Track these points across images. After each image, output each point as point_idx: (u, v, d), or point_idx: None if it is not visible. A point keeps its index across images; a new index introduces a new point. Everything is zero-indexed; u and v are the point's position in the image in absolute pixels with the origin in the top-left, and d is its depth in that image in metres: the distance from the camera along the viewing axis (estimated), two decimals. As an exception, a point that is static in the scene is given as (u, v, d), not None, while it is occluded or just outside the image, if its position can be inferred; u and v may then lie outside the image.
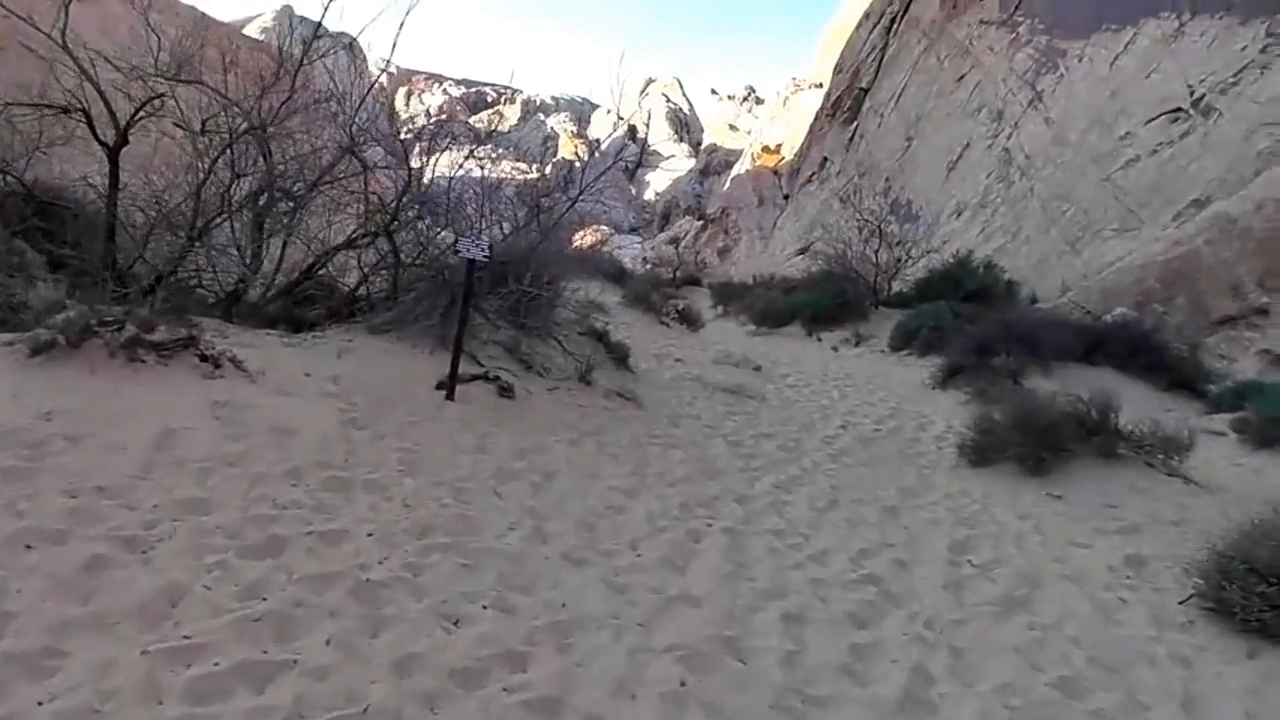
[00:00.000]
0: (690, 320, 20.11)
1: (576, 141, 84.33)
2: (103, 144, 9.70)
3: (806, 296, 23.39)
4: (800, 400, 11.95)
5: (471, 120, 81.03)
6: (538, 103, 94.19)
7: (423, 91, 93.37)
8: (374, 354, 8.63)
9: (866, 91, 38.42)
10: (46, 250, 10.48)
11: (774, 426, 9.89)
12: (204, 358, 6.96)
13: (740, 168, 55.69)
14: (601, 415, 8.86)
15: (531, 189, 14.69)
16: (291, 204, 10.57)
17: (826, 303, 22.41)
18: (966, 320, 17.05)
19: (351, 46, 14.08)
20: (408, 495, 5.58)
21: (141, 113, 9.66)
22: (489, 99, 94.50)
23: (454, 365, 8.00)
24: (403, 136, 12.75)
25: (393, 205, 9.85)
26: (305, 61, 9.95)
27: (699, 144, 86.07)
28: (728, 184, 56.24)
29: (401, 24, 10.91)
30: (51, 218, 10.45)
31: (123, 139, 9.63)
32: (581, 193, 11.04)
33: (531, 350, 9.76)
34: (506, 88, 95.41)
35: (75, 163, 10.93)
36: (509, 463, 6.68)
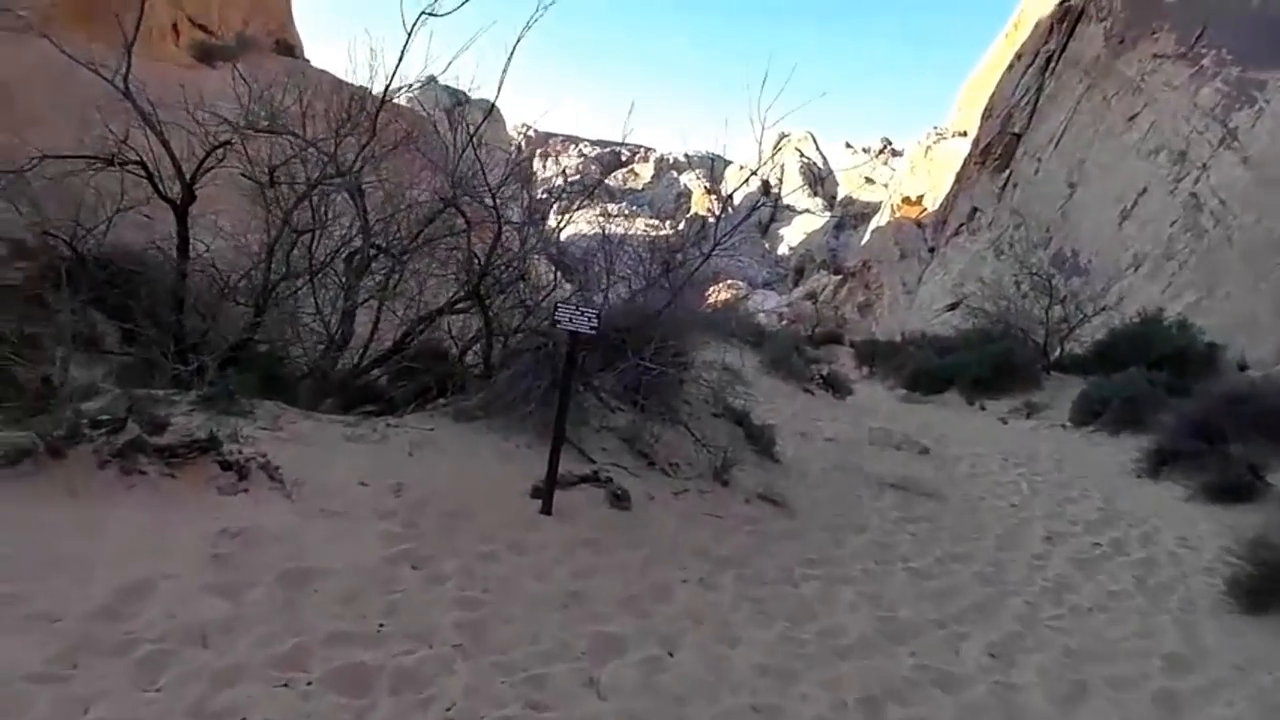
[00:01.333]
0: (837, 386, 17.89)
1: (709, 197, 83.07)
2: (168, 200, 8.33)
3: (965, 358, 20.79)
4: (985, 497, 9.57)
5: (607, 180, 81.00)
6: (670, 160, 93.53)
7: (559, 153, 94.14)
8: (456, 449, 6.84)
9: (1019, 137, 35.51)
10: (123, 322, 9.24)
11: (963, 542, 7.62)
12: (226, 465, 5.28)
13: (879, 220, 53.08)
14: (742, 531, 6.82)
15: (662, 244, 12.96)
16: (390, 262, 9.00)
17: (989, 366, 19.78)
18: (1168, 391, 14.29)
19: (492, 110, 12.76)
20: (456, 698, 3.66)
21: (211, 165, 8.26)
22: (623, 158, 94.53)
23: (552, 467, 6.12)
24: (539, 196, 11.25)
25: (479, 266, 8.11)
26: (386, 98, 8.35)
27: (833, 198, 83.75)
28: (867, 237, 53.67)
29: (504, 70, 9.25)
30: (129, 285, 9.19)
31: (189, 194, 8.23)
32: (716, 246, 9.13)
33: (655, 440, 7.82)
34: (640, 147, 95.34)
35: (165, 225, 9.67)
36: (614, 620, 4.71)
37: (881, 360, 25.54)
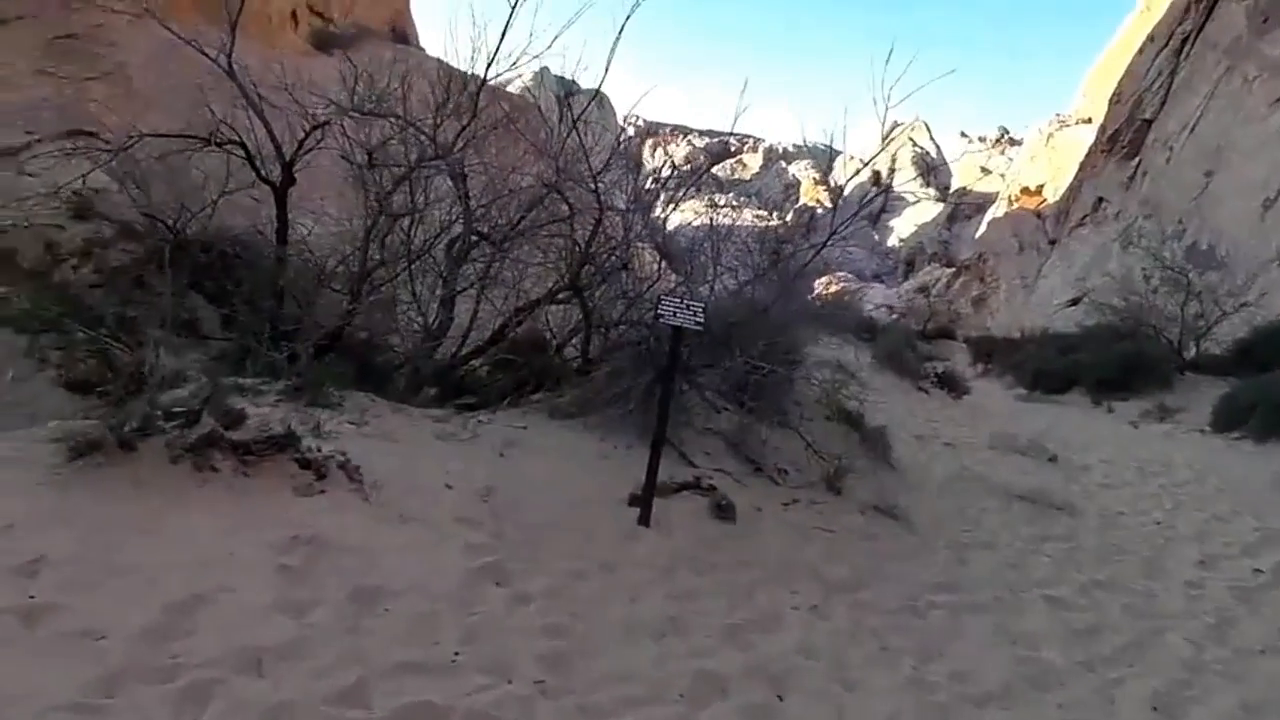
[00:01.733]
0: (952, 385, 16.91)
1: (819, 188, 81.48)
2: (267, 182, 8.08)
3: (1090, 356, 19.45)
4: (1123, 512, 8.65)
5: (714, 170, 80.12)
6: (780, 150, 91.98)
7: (668, 143, 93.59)
8: (550, 450, 6.38)
9: (1150, 123, 33.37)
10: (222, 307, 9.10)
11: (1105, 565, 6.81)
12: (304, 463, 4.91)
13: (996, 211, 50.97)
14: (858, 548, 6.17)
15: (771, 236, 12.31)
16: (491, 250, 8.60)
17: (1116, 365, 18.45)
18: (1327, 396, 12.96)
19: (601, 102, 12.30)
20: (532, 753, 3.17)
21: (311, 147, 7.99)
22: (731, 148, 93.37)
23: (650, 475, 5.59)
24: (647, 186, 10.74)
25: (578, 254, 7.62)
26: (487, 79, 7.91)
27: (946, 188, 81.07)
28: (982, 228, 51.62)
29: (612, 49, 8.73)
30: (234, 269, 9.03)
31: (288, 176, 7.97)
32: (832, 236, 8.48)
33: (763, 443, 7.22)
34: (749, 137, 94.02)
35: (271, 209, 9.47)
36: (716, 654, 4.15)
37: (999, 357, 24.24)
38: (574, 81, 11.16)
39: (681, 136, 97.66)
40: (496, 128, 8.42)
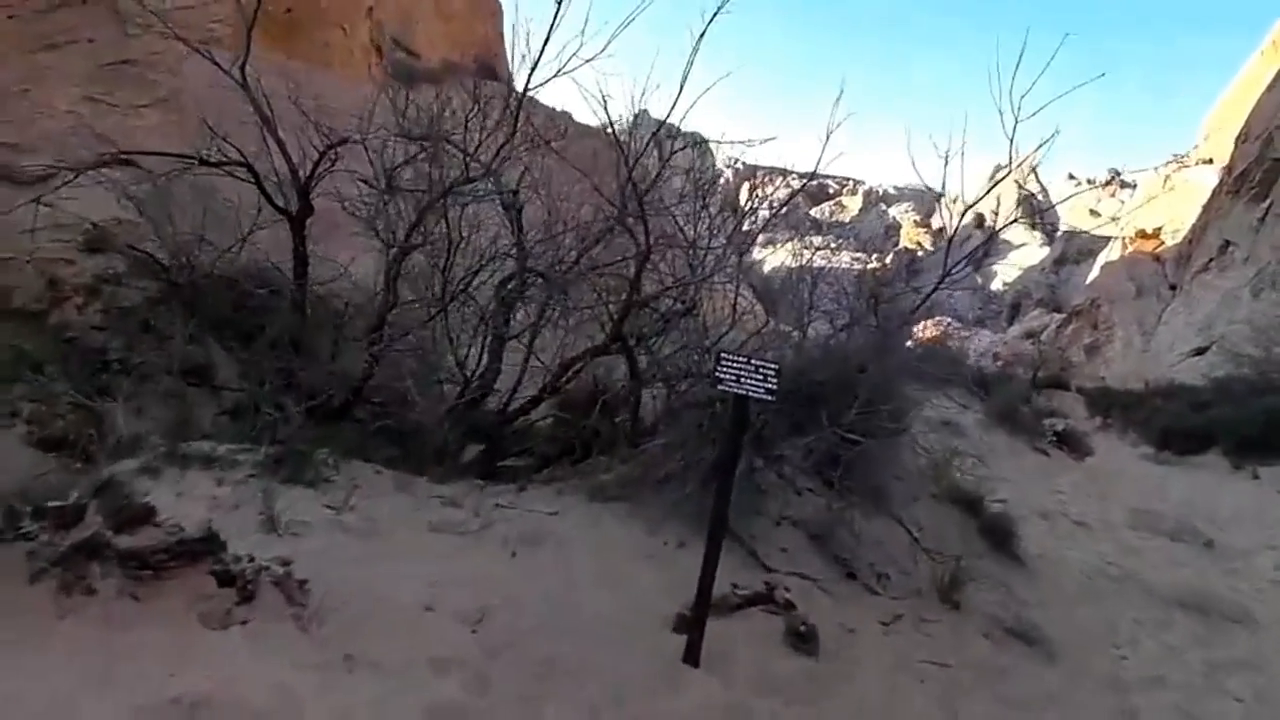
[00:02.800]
0: (1074, 445, 14.86)
1: (919, 230, 78.90)
2: (283, 212, 6.91)
3: (1227, 412, 17.09)
4: (1318, 626, 6.71)
5: (812, 211, 78.30)
6: (880, 193, 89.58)
7: (765, 185, 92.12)
8: (580, 545, 4.90)
9: (1282, 162, 30.51)
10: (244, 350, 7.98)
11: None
12: (226, 578, 3.54)
13: (1108, 255, 47.91)
14: (984, 693, 4.50)
15: (869, 278, 10.72)
16: (546, 291, 7.25)
17: (1260, 422, 16.08)
18: None
19: (703, 145, 10.99)
20: None
21: (329, 169, 6.80)
22: (830, 190, 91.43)
23: (703, 593, 4.06)
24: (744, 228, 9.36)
25: (623, 301, 6.16)
26: (526, 90, 6.53)
27: (1053, 231, 77.57)
28: (1094, 272, 48.54)
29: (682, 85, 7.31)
30: (259, 311, 7.90)
31: (305, 204, 6.77)
32: (945, 276, 6.87)
33: (856, 537, 5.60)
34: (848, 179, 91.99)
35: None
36: None
37: (1120, 411, 21.84)
38: (675, 127, 9.90)
39: (780, 178, 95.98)
40: (534, 144, 7.03)
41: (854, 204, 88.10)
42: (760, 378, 4.12)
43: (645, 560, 4.91)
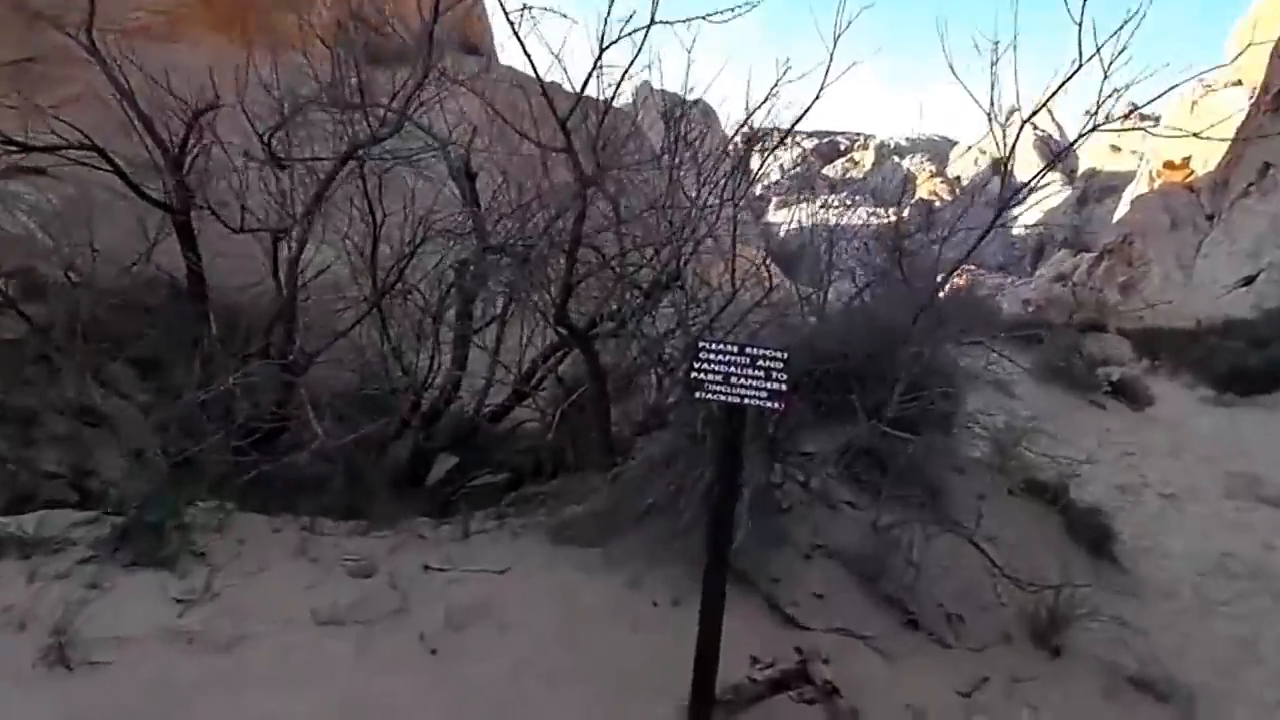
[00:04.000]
0: (1131, 395, 13.28)
1: (935, 180, 76.65)
2: (159, 205, 5.53)
3: (1297, 347, 15.45)
4: None
5: (825, 170, 76.28)
6: (892, 146, 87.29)
7: (776, 148, 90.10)
8: (534, 619, 3.48)
9: (1321, 73, 28.40)
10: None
11: None
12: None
13: (1135, 190, 45.76)
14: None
15: (889, 233, 9.26)
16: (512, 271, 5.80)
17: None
18: None
19: (706, 114, 9.53)
20: None
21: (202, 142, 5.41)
22: (841, 148, 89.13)
23: (701, 685, 2.66)
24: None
25: (562, 277, 4.65)
26: (439, 10, 5.03)
27: (1073, 171, 75.14)
28: (1125, 208, 46.38)
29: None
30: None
31: (182, 191, 5.37)
32: (999, 216, 5.39)
33: (914, 566, 4.14)
34: (859, 134, 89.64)
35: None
36: None
37: (1170, 352, 20.13)
38: (682, 98, 8.48)
39: (790, 139, 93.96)
40: (446, 86, 5.54)
41: (866, 159, 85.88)
42: (760, 374, 2.69)
43: (628, 632, 3.49)
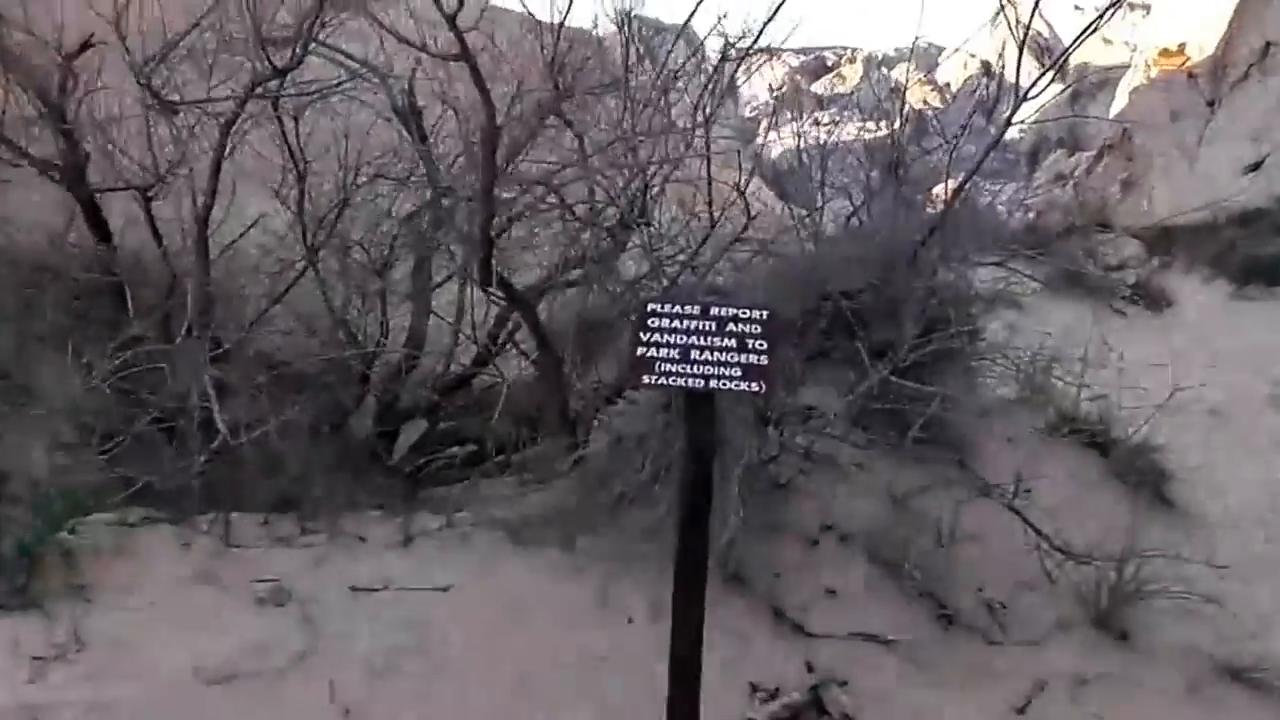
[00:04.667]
0: (1151, 298, 12.53)
1: (924, 88, 74.79)
2: (38, 164, 4.74)
3: (1318, 233, 14.60)
4: None
5: (812, 88, 74.36)
6: (879, 57, 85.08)
7: (760, 68, 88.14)
8: (477, 652, 2.79)
9: (1324, -58, 26.99)
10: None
11: None
12: None
13: (1129, 82, 44.26)
14: None
15: (882, 147, 8.44)
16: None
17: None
18: None
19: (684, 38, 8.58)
20: None
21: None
22: (828, 64, 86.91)
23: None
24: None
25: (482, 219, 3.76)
26: None
27: (1063, 67, 73.14)
28: (1118, 103, 45.00)
29: None
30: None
31: (69, 140, 4.57)
32: (1011, 116, 4.59)
33: (942, 545, 3.41)
34: (845, 48, 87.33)
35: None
36: None
37: (1182, 247, 19.26)
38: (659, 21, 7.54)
39: (776, 59, 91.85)
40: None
41: (853, 74, 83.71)
42: (732, 343, 1.95)
43: (594, 660, 2.79)
